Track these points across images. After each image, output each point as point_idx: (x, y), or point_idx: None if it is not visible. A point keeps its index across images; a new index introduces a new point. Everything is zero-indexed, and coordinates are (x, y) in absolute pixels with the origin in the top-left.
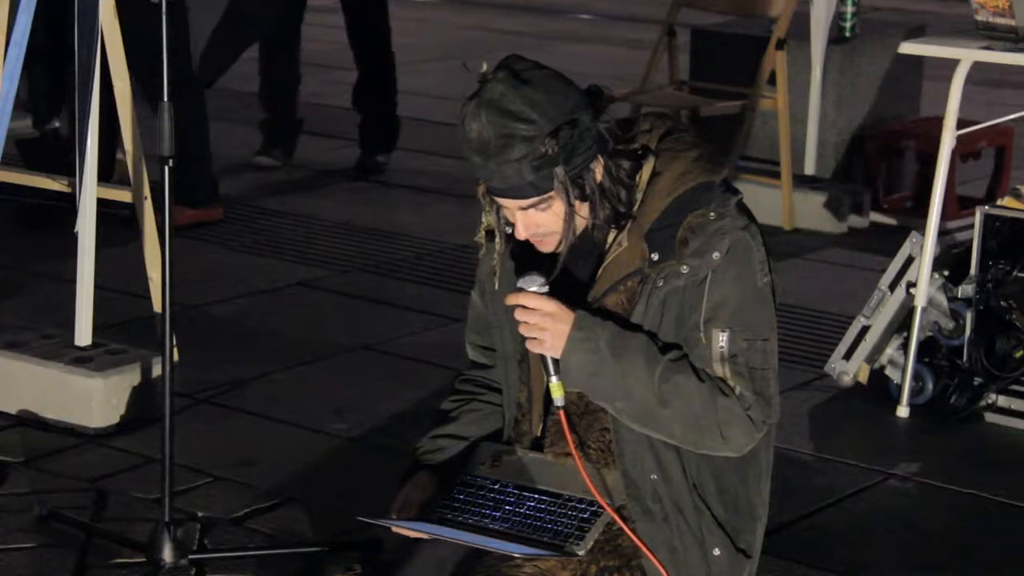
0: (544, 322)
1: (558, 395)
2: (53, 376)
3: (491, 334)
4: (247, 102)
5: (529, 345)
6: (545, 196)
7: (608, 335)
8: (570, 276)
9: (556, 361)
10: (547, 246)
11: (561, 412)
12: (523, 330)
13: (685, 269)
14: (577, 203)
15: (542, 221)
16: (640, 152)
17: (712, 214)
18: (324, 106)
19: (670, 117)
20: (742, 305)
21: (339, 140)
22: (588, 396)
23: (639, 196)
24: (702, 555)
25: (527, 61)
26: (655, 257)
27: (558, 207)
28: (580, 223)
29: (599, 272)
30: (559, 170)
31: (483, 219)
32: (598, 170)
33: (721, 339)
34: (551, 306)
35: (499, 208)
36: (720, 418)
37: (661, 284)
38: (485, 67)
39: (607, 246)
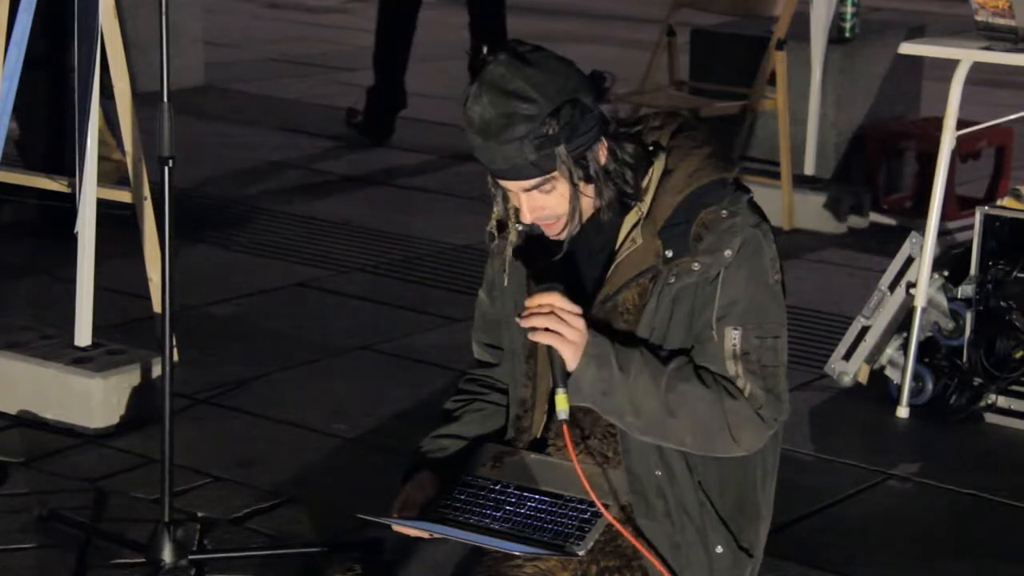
0: (575, 321)
1: (563, 407)
2: (53, 376)
3: (498, 332)
4: (254, 103)
5: (546, 338)
6: (548, 176)
7: (615, 352)
8: (582, 274)
9: (566, 373)
10: (554, 230)
11: (564, 427)
12: (548, 321)
13: (697, 266)
14: (582, 184)
15: (547, 204)
16: (651, 148)
17: (724, 211)
18: (326, 107)
19: (680, 115)
20: (754, 303)
21: (339, 140)
22: (598, 412)
23: (651, 193)
24: (705, 552)
25: (527, 44)
26: (669, 254)
27: (562, 188)
28: (587, 206)
29: (611, 270)
30: (561, 149)
31: (494, 209)
32: (602, 151)
33: (734, 336)
34: (581, 321)
35: (507, 197)
36: (730, 421)
37: (673, 281)
38: (485, 51)
39: (619, 243)
